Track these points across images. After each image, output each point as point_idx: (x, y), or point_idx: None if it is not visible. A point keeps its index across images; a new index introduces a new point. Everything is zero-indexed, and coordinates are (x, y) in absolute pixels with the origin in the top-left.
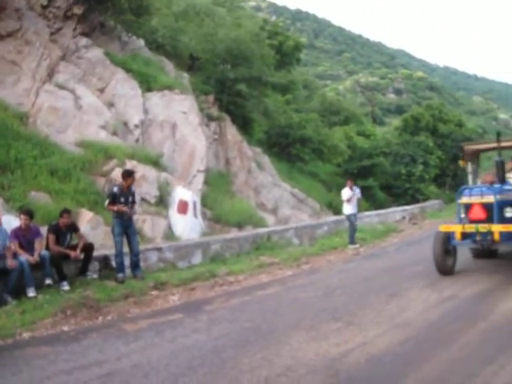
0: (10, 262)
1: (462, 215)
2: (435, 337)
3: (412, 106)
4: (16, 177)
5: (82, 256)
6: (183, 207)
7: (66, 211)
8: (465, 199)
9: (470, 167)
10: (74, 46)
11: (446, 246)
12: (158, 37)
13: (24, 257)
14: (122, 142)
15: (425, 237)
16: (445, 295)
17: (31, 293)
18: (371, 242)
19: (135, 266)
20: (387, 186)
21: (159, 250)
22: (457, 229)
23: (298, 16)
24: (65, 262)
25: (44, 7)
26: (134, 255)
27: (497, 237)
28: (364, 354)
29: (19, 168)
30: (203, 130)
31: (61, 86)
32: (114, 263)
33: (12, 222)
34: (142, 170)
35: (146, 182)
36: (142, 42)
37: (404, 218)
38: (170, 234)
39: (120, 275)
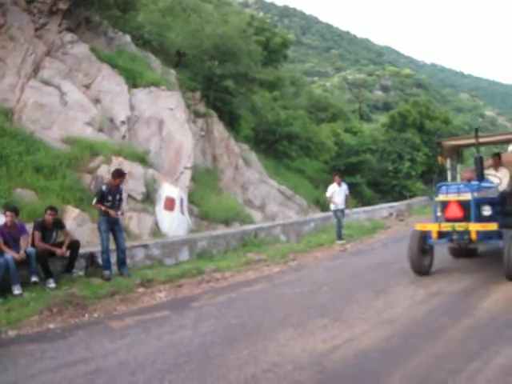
0: None
1: (439, 213)
2: (421, 333)
3: (399, 103)
4: (1, 174)
5: (67, 253)
6: (170, 204)
7: (51, 208)
8: (441, 197)
9: (448, 164)
10: (59, 41)
11: (423, 246)
12: (145, 33)
13: (9, 254)
14: (108, 138)
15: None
16: (430, 291)
17: (17, 290)
18: (358, 239)
19: (122, 263)
20: (374, 182)
21: (146, 246)
22: (433, 228)
23: (286, 12)
24: (51, 259)
25: (28, 2)
26: (121, 252)
27: (474, 236)
28: (351, 350)
29: (4, 165)
30: (190, 127)
31: (46, 82)
32: (100, 260)
33: None
34: (128, 167)
35: (133, 179)
36: (128, 37)
37: (391, 214)
38: (156, 231)
39: (106, 272)
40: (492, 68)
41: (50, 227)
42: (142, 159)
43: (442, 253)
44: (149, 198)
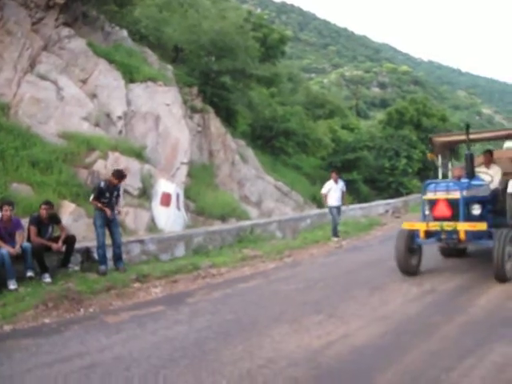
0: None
1: (427, 212)
2: (415, 329)
3: (396, 100)
4: None
5: (63, 248)
6: (166, 199)
7: (46, 203)
8: (429, 195)
9: (439, 161)
10: (56, 36)
11: (410, 245)
12: (142, 27)
13: (5, 249)
14: (104, 133)
15: None
16: (425, 289)
17: (12, 285)
18: (354, 235)
19: (118, 258)
20: (371, 179)
21: (142, 242)
22: (420, 227)
23: (283, 8)
24: (46, 254)
25: None
26: (117, 247)
27: (462, 236)
28: (346, 347)
29: (0, 159)
30: (187, 123)
31: (43, 77)
32: (95, 255)
33: None
34: (124, 162)
35: (129, 174)
36: (125, 32)
37: (387, 211)
38: (152, 227)
39: (102, 267)
40: (490, 66)
41: (46, 222)
42: (139, 154)
43: (435, 251)
44: (145, 193)
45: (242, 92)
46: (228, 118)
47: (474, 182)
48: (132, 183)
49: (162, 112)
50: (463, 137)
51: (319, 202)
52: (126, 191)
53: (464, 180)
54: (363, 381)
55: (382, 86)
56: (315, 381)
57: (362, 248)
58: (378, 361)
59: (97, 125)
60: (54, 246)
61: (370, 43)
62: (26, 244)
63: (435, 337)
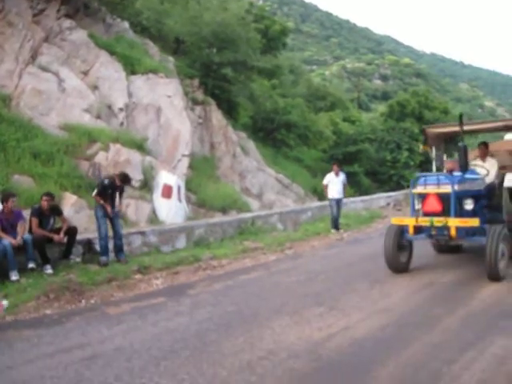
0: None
1: (417, 206)
2: (416, 322)
3: (398, 93)
4: None
5: (65, 239)
6: (167, 191)
7: (47, 194)
8: (419, 189)
9: (434, 153)
10: (57, 27)
11: (400, 241)
12: (143, 19)
13: (7, 240)
14: (106, 125)
15: None
16: (426, 282)
17: (14, 276)
18: (355, 228)
19: (119, 249)
20: (372, 172)
21: (143, 233)
22: (410, 222)
23: (285, 0)
24: (48, 245)
25: None
26: (118, 239)
27: (453, 232)
28: (346, 339)
29: (2, 151)
30: (188, 114)
31: (44, 69)
32: (97, 247)
33: None
34: (126, 154)
35: (130, 166)
36: (126, 24)
37: (389, 204)
38: (154, 218)
39: (103, 258)
40: (492, 58)
41: (47, 213)
42: (140, 146)
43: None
44: (146, 185)
45: (244, 84)
46: (229, 110)
47: (468, 176)
48: (133, 175)
49: (164, 104)
50: (456, 128)
51: (320, 194)
52: None
53: (457, 173)
54: (364, 373)
55: (384, 78)
56: (316, 373)
57: (363, 240)
58: (379, 353)
59: (98, 117)
60: (56, 237)
61: (372, 35)
62: (27, 235)
63: (436, 329)
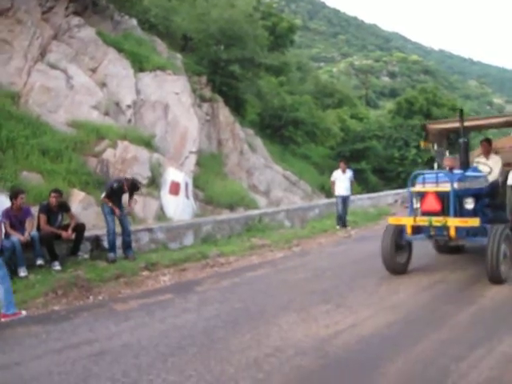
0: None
1: (416, 205)
2: (424, 319)
3: (406, 90)
4: (7, 156)
5: (73, 236)
6: (175, 188)
7: (55, 191)
8: (418, 187)
9: (435, 149)
10: (66, 25)
11: (398, 241)
12: (151, 16)
13: (16, 237)
14: (113, 122)
15: None
16: (434, 279)
17: (22, 272)
18: (363, 225)
19: (127, 246)
20: (380, 169)
21: (150, 230)
22: (407, 222)
23: None
24: (56, 242)
25: None
26: (127, 235)
27: (453, 232)
28: (354, 336)
29: (11, 148)
30: (195, 111)
31: (53, 66)
32: (105, 243)
33: (4, 202)
34: (133, 151)
35: (138, 163)
36: (134, 21)
37: (396, 201)
38: (161, 215)
39: (111, 255)
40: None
41: (55, 210)
42: (148, 143)
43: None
44: (154, 182)
45: (251, 81)
46: (237, 106)
47: (469, 174)
48: (141, 172)
49: (171, 101)
50: (457, 123)
51: (327, 191)
52: None
53: (457, 171)
54: (371, 370)
55: (392, 75)
56: (323, 370)
57: (371, 238)
58: (387, 350)
59: (106, 114)
60: (64, 233)
61: (379, 32)
62: (34, 232)
63: (444, 327)
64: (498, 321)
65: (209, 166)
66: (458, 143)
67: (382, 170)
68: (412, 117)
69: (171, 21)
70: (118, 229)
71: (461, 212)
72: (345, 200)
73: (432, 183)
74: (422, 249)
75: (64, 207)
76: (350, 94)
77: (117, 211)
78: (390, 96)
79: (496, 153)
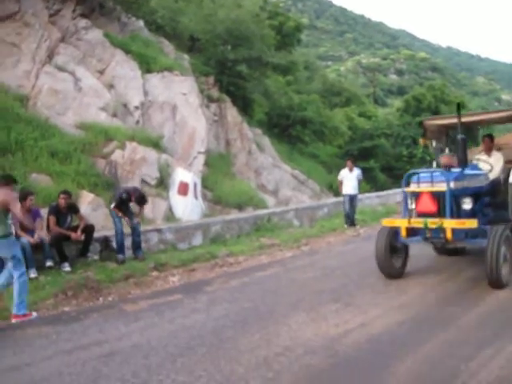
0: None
1: (411, 206)
2: (433, 319)
3: (414, 87)
4: (17, 159)
5: (82, 237)
6: (184, 189)
7: (64, 192)
8: (412, 187)
9: (433, 147)
10: (73, 27)
11: (394, 244)
12: (158, 18)
13: (25, 238)
14: (122, 123)
15: None
16: (442, 277)
17: (32, 274)
18: (371, 224)
19: (137, 246)
20: (388, 167)
21: (159, 231)
22: (401, 223)
23: None
24: (65, 243)
25: None
26: (136, 235)
27: (449, 234)
28: (363, 335)
29: (20, 150)
30: (203, 112)
31: (60, 68)
32: (114, 244)
33: None
34: (142, 152)
35: (147, 164)
36: (141, 22)
37: None
38: (170, 216)
39: (120, 256)
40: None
41: (65, 211)
42: (156, 144)
43: None
44: (162, 182)
45: (259, 80)
46: (244, 106)
47: (467, 172)
48: (149, 173)
49: (179, 101)
50: (454, 119)
51: (336, 190)
52: (143, 181)
53: (455, 169)
54: (381, 369)
55: (400, 73)
56: (332, 369)
57: None
58: (396, 349)
59: (114, 115)
60: (73, 235)
61: (387, 30)
62: (43, 236)
63: (453, 326)
64: (506, 320)
65: (217, 166)
66: (456, 140)
67: (391, 168)
68: (420, 114)
69: (178, 22)
70: (127, 229)
71: (458, 213)
72: (352, 199)
73: (427, 183)
74: (427, 249)
75: (73, 209)
76: (358, 93)
77: (127, 220)
78: (397, 94)
79: (499, 149)
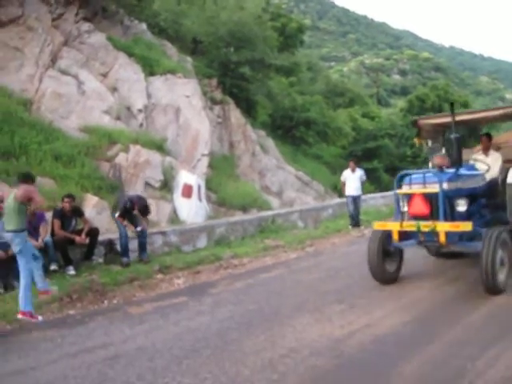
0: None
1: (404, 208)
2: (439, 318)
3: (417, 87)
4: (21, 163)
5: (87, 241)
6: (188, 191)
7: (68, 196)
8: (404, 188)
9: (429, 146)
10: (76, 31)
11: (386, 247)
12: (161, 20)
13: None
14: (125, 126)
15: None
16: (448, 277)
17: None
18: None
19: (142, 248)
20: (392, 167)
21: (164, 234)
22: (393, 227)
23: None
24: (70, 246)
25: None
26: (143, 237)
27: (443, 238)
28: (368, 336)
29: (24, 154)
30: (207, 114)
31: (64, 72)
32: (118, 247)
33: None
34: (146, 155)
35: (151, 167)
36: (144, 25)
37: None
38: (174, 218)
39: (124, 259)
40: None
41: (69, 215)
42: (160, 147)
43: None
44: (166, 185)
45: (262, 82)
46: (248, 108)
47: (462, 172)
48: (153, 175)
49: (182, 104)
50: (448, 118)
51: (340, 191)
52: (147, 183)
53: (449, 170)
54: (387, 370)
55: (403, 73)
56: (338, 370)
57: None
58: (402, 350)
59: (118, 118)
60: (78, 238)
61: (389, 30)
62: (48, 238)
63: (460, 326)
64: None
65: (221, 168)
66: (450, 139)
67: (395, 169)
68: (424, 114)
69: (181, 24)
70: (131, 232)
71: (452, 215)
72: (355, 200)
73: (419, 184)
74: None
75: (77, 212)
76: (361, 93)
77: (132, 228)
78: (401, 94)
79: (498, 149)
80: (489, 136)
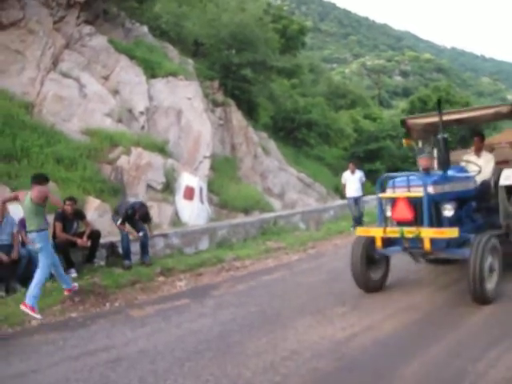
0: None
1: (388, 213)
2: (440, 320)
3: (419, 88)
4: (22, 166)
5: (89, 243)
6: (189, 193)
7: (69, 198)
8: (388, 192)
9: (419, 147)
10: (77, 34)
11: (371, 254)
12: (162, 23)
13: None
14: (127, 129)
15: None
16: (451, 279)
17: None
18: None
19: (144, 250)
20: (394, 169)
21: (165, 236)
22: (376, 233)
23: None
24: (72, 249)
25: None
26: (145, 239)
27: (427, 245)
28: (370, 338)
29: (25, 157)
30: (208, 116)
31: (65, 75)
32: (120, 250)
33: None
34: (147, 157)
35: (152, 169)
36: (145, 28)
37: None
38: (176, 220)
39: (126, 262)
40: None
41: (71, 218)
42: (161, 149)
43: None
44: (168, 187)
45: (263, 84)
46: (249, 110)
47: (450, 175)
48: (155, 178)
49: (184, 106)
50: (435, 118)
51: (342, 193)
52: (149, 186)
53: (435, 172)
54: (388, 372)
55: (405, 74)
56: (339, 372)
57: None
58: (403, 352)
59: (119, 121)
60: (80, 241)
61: (391, 31)
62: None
63: (461, 327)
64: None
65: (223, 170)
66: (437, 140)
67: (397, 170)
68: None
69: (182, 27)
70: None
71: (439, 220)
72: (356, 201)
73: (403, 188)
74: None
75: (79, 215)
76: (363, 95)
77: (134, 234)
78: (403, 95)
79: (492, 150)
80: (481, 137)
